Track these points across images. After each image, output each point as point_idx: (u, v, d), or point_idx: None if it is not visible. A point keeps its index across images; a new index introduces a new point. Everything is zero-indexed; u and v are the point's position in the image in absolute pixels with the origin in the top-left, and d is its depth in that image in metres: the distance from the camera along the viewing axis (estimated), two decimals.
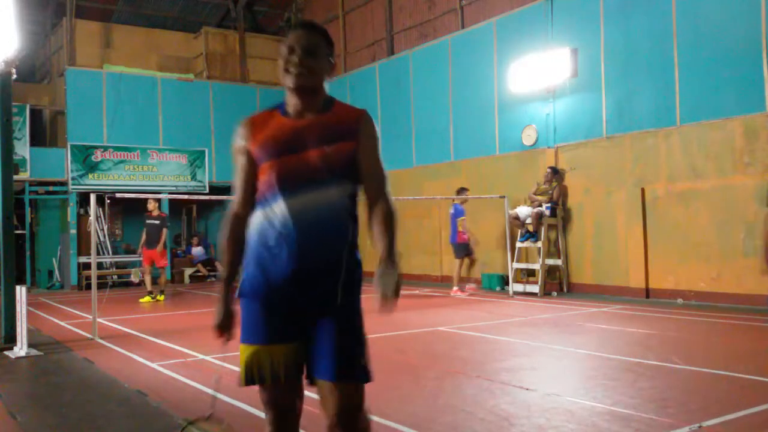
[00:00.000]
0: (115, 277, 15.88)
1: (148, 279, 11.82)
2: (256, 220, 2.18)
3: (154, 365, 5.85)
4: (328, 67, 2.22)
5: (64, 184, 15.17)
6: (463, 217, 11.20)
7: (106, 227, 16.19)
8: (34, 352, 6.59)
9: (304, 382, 2.20)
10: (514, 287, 11.16)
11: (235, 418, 4.06)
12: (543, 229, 11.10)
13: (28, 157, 14.61)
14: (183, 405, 4.43)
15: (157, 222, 11.72)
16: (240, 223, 2.22)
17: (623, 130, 10.37)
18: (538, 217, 11.03)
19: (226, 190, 14.89)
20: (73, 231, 15.06)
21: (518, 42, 11.98)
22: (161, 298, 11.82)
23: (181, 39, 18.44)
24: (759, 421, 3.76)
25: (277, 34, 19.07)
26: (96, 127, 15.45)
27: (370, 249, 2.24)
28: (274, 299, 2.14)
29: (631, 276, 10.16)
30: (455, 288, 11.25)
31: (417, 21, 14.96)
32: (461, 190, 11.43)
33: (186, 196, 15.12)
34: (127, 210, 16.83)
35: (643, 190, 10.03)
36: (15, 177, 8.05)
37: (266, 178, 2.14)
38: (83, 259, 15.03)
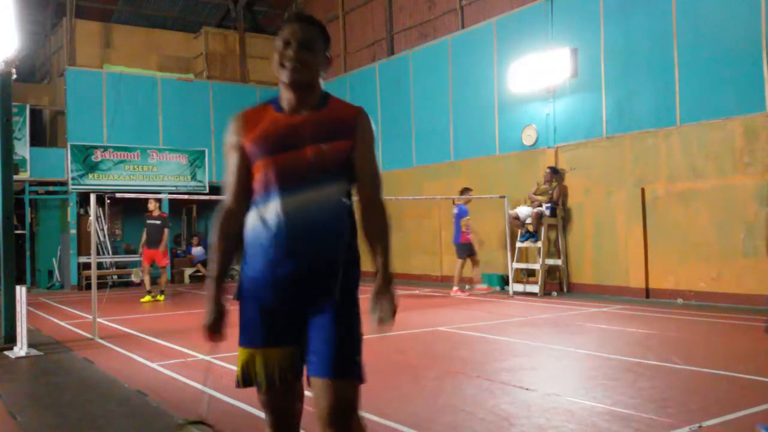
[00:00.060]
0: (115, 277, 15.88)
1: (147, 278, 11.85)
2: (251, 220, 2.13)
3: (154, 365, 5.85)
4: (324, 62, 2.17)
5: (64, 184, 15.17)
6: (467, 218, 11.19)
7: (106, 227, 16.19)
8: (34, 352, 6.59)
9: (305, 384, 2.16)
10: (514, 287, 11.16)
11: (235, 419, 4.06)
12: (543, 229, 11.10)
13: (28, 157, 14.62)
14: (183, 405, 4.43)
15: (157, 222, 11.73)
16: (231, 219, 2.17)
17: (623, 130, 10.37)
18: (538, 217, 11.03)
19: None
20: (73, 231, 15.06)
21: (518, 42, 11.98)
22: (161, 298, 11.82)
23: (181, 39, 18.45)
24: (759, 421, 3.75)
25: (277, 34, 19.03)
26: (96, 127, 15.45)
27: (365, 248, 2.22)
28: (272, 301, 2.11)
29: (631, 276, 10.16)
30: (455, 288, 11.25)
31: (417, 21, 14.96)
32: (465, 191, 11.42)
33: (186, 196, 15.12)
34: (127, 210, 16.83)
35: (643, 190, 10.03)
36: (15, 177, 8.05)
37: (261, 176, 2.10)
38: (83, 259, 15.03)
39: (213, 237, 2.18)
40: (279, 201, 2.05)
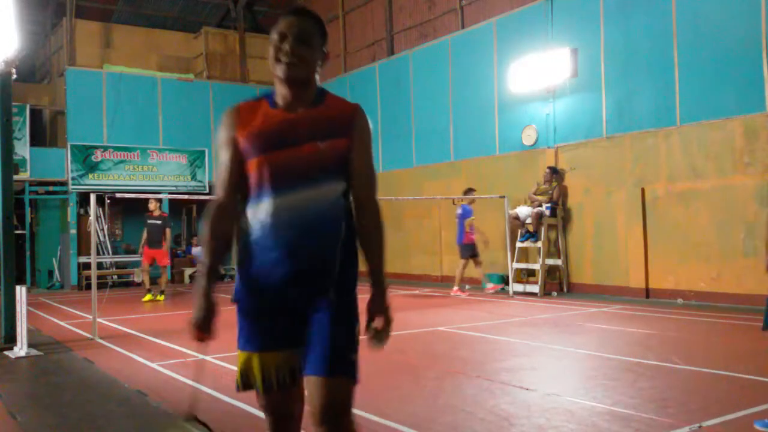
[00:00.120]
0: (115, 277, 15.88)
1: (146, 278, 11.89)
2: (247, 220, 2.08)
3: (154, 365, 5.85)
4: (321, 57, 2.11)
5: (64, 184, 15.17)
6: (472, 218, 11.18)
7: (106, 227, 16.19)
8: (34, 352, 6.59)
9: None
10: (514, 287, 11.16)
11: (235, 419, 4.06)
12: (543, 229, 11.10)
13: (28, 157, 14.62)
14: (183, 405, 4.43)
15: (158, 222, 11.75)
16: (223, 213, 2.11)
17: (623, 130, 10.37)
18: (538, 217, 11.03)
19: None
20: (73, 231, 15.06)
21: (518, 42, 11.99)
22: (161, 298, 11.83)
23: (181, 39, 18.45)
24: (757, 419, 3.75)
25: None
26: (96, 127, 15.46)
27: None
28: (270, 302, 2.08)
29: (631, 276, 10.16)
30: (455, 288, 11.24)
31: (417, 21, 14.96)
32: (468, 191, 11.40)
33: (186, 196, 15.13)
34: (127, 210, 16.84)
35: (643, 190, 10.03)
36: (15, 177, 8.05)
37: (256, 174, 2.04)
38: (83, 259, 15.04)
39: (204, 232, 2.12)
40: (275, 200, 2.01)
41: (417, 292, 12.10)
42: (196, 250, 16.83)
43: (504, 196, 11.39)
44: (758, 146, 8.69)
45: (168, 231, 11.86)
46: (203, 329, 2.09)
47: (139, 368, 5.81)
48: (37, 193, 15.69)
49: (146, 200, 12.08)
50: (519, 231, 11.45)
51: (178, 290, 14.14)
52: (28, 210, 15.51)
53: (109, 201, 14.56)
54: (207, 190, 16.26)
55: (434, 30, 14.45)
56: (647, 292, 9.92)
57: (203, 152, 16.37)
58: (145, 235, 11.88)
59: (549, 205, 11.02)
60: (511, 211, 11.40)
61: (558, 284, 11.24)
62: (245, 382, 2.12)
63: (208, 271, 2.10)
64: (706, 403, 4.24)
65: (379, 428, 3.80)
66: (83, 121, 15.25)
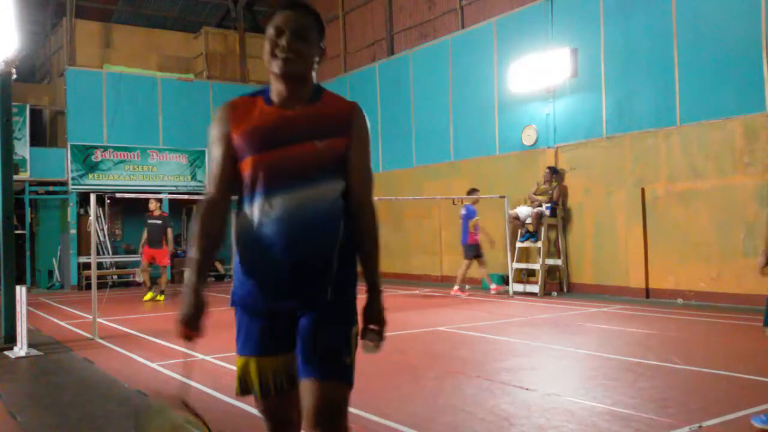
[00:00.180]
0: (115, 277, 15.88)
1: (147, 277, 11.92)
2: (242, 220, 2.03)
3: (154, 365, 5.85)
4: (318, 52, 2.05)
5: (64, 184, 15.17)
6: (476, 218, 11.17)
7: (106, 227, 16.19)
8: (34, 352, 6.59)
9: None
10: (514, 287, 11.16)
11: (235, 418, 4.06)
12: (543, 229, 11.10)
13: (28, 157, 14.62)
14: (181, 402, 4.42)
15: (159, 222, 11.77)
16: (214, 210, 2.05)
17: (623, 130, 10.37)
18: (538, 217, 11.03)
19: None
20: (73, 231, 15.06)
21: (518, 42, 11.99)
22: (161, 298, 11.83)
23: (181, 39, 18.45)
24: (764, 430, 3.75)
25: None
26: (96, 127, 15.46)
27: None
28: (267, 305, 2.04)
29: (631, 276, 10.16)
30: (456, 287, 11.22)
31: (417, 21, 14.96)
32: (472, 191, 11.38)
33: (186, 196, 15.13)
34: (127, 210, 16.83)
35: (643, 190, 10.03)
36: (15, 177, 8.05)
37: (251, 173, 1.98)
38: (83, 259, 15.04)
39: (194, 228, 2.05)
40: (272, 200, 1.96)
41: (417, 292, 12.10)
42: None
43: (504, 196, 11.39)
44: (758, 146, 8.69)
45: (170, 231, 11.89)
46: (191, 326, 2.03)
47: (139, 368, 5.81)
48: (37, 193, 15.69)
49: (146, 200, 12.09)
50: (519, 231, 11.45)
51: (178, 290, 14.11)
52: (28, 210, 15.51)
53: (109, 201, 14.58)
54: None
55: (434, 30, 14.46)
56: (647, 292, 9.92)
57: (203, 152, 16.37)
58: (145, 234, 11.90)
59: (549, 205, 11.02)
60: (511, 211, 11.40)
61: (558, 284, 11.24)
62: (243, 388, 2.09)
63: (198, 267, 2.04)
64: (706, 403, 4.24)
65: (379, 428, 3.80)
66: (83, 121, 15.25)
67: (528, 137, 11.91)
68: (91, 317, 7.70)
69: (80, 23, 16.68)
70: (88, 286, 12.39)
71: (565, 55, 11.04)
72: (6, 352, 6.61)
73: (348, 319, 2.06)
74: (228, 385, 3.93)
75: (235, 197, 2.09)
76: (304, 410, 1.98)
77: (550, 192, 11.10)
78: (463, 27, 13.64)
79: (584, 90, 11.01)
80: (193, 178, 16.34)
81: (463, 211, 11.31)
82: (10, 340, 6.77)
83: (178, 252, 17.22)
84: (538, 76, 11.40)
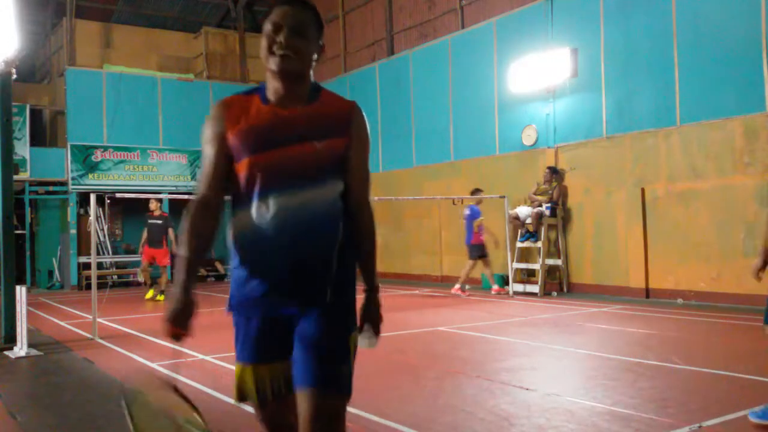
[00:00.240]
0: (115, 277, 15.89)
1: (147, 276, 11.97)
2: (238, 223, 1.97)
3: (154, 365, 5.85)
4: (317, 50, 1.99)
5: (64, 184, 15.17)
6: (480, 218, 11.17)
7: (106, 227, 16.19)
8: (34, 352, 6.59)
9: None
10: (514, 287, 11.16)
11: (234, 418, 4.06)
12: (543, 229, 11.10)
13: (28, 157, 14.62)
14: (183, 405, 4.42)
15: (159, 222, 11.79)
16: (205, 210, 1.98)
17: (623, 130, 10.37)
18: (538, 217, 11.03)
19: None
20: (73, 231, 15.07)
21: (518, 42, 11.99)
22: (161, 297, 11.84)
23: (181, 39, 18.46)
24: (761, 425, 3.75)
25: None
26: (96, 127, 15.46)
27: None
28: (264, 310, 1.98)
29: (631, 276, 10.16)
30: (457, 286, 11.19)
31: (417, 21, 14.96)
32: (476, 191, 11.38)
33: (186, 196, 15.10)
34: (127, 210, 16.84)
35: (643, 190, 10.03)
36: (15, 177, 8.05)
37: (248, 175, 1.92)
38: (83, 259, 15.04)
39: (184, 228, 1.99)
40: (270, 202, 1.90)
41: (417, 292, 12.10)
42: None
43: (504, 196, 11.38)
44: (758, 146, 8.69)
45: (171, 231, 11.91)
46: (179, 324, 1.97)
47: (139, 368, 5.80)
48: (37, 193, 15.69)
49: (146, 200, 12.10)
50: (519, 231, 11.45)
51: None
52: (28, 210, 15.51)
53: (109, 201, 14.57)
54: None
55: (434, 30, 14.46)
56: (647, 292, 9.92)
57: None
58: (145, 234, 11.92)
59: (549, 205, 11.02)
60: (511, 211, 11.40)
61: (558, 284, 11.24)
62: (241, 395, 2.05)
63: (187, 266, 1.98)
64: (706, 403, 4.24)
65: (379, 428, 3.80)
66: (83, 121, 15.25)
67: (528, 137, 11.91)
68: (91, 317, 7.70)
69: (80, 23, 16.68)
70: (88, 286, 12.39)
71: (565, 55, 11.04)
72: (6, 352, 6.61)
73: (347, 325, 2.01)
74: (228, 385, 3.92)
75: (228, 197, 2.03)
76: (299, 420, 1.93)
77: (550, 192, 11.10)
78: (463, 27, 13.64)
79: (584, 90, 11.01)
80: (193, 178, 16.34)
81: (466, 212, 11.30)
82: (10, 340, 6.77)
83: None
84: (538, 76, 11.40)
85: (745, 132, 8.83)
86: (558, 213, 11.12)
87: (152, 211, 11.85)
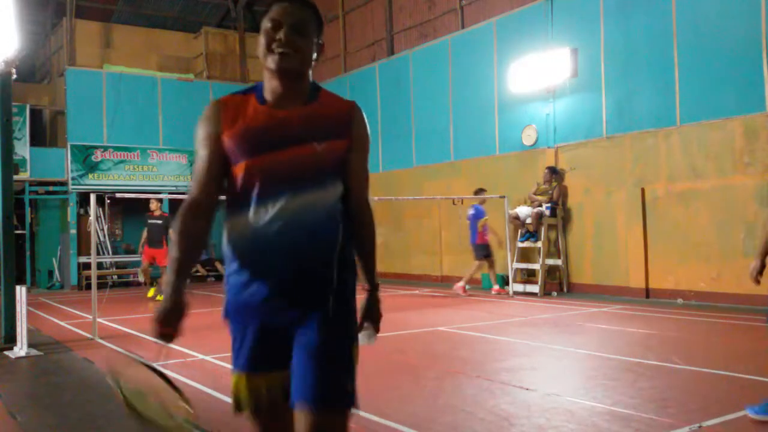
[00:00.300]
0: (115, 277, 15.89)
1: (147, 276, 12.01)
2: (234, 227, 1.90)
3: (154, 365, 5.84)
4: (316, 49, 1.93)
5: (64, 184, 15.17)
6: (485, 218, 11.16)
7: (106, 227, 16.19)
8: (34, 352, 6.59)
9: None
10: (514, 287, 11.16)
11: (234, 419, 4.05)
12: (543, 229, 11.10)
13: (28, 157, 14.62)
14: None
15: (159, 222, 11.79)
16: (197, 212, 1.92)
17: (623, 130, 10.37)
18: (538, 217, 11.03)
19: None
20: (73, 231, 15.07)
21: (518, 42, 11.99)
22: (161, 298, 11.83)
23: (181, 39, 18.46)
24: (759, 421, 3.76)
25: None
26: (96, 127, 15.47)
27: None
28: (262, 317, 1.91)
29: (631, 276, 10.16)
30: (461, 283, 11.14)
31: (417, 21, 14.96)
32: (479, 191, 11.38)
33: (186, 197, 15.11)
34: (127, 210, 16.84)
35: (643, 190, 10.03)
36: (15, 177, 8.05)
37: (245, 178, 1.86)
38: (83, 259, 15.04)
39: (175, 229, 1.93)
40: (268, 206, 1.84)
41: (417, 292, 12.10)
42: None
43: (504, 196, 11.38)
44: (758, 146, 8.69)
45: (172, 231, 11.91)
46: (168, 325, 1.91)
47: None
48: (37, 193, 15.70)
49: (146, 200, 12.10)
50: (519, 231, 11.45)
51: None
52: (28, 210, 15.51)
53: (109, 201, 14.57)
54: None
55: (434, 30, 14.45)
56: (647, 292, 9.92)
57: None
58: (145, 234, 11.93)
59: (549, 205, 11.02)
60: (511, 211, 11.39)
61: (558, 284, 11.24)
62: (236, 404, 1.98)
63: (178, 267, 1.91)
64: (706, 403, 4.23)
65: (379, 428, 3.80)
66: (83, 121, 15.26)
67: (528, 137, 11.90)
68: (91, 317, 7.70)
69: (80, 23, 16.69)
70: (88, 286, 12.39)
71: (565, 55, 11.04)
72: (6, 352, 6.61)
73: (350, 333, 1.95)
74: (227, 386, 3.92)
75: (223, 196, 1.98)
76: None
77: (550, 192, 11.10)
78: (463, 27, 13.64)
79: (584, 90, 11.01)
80: None
81: (471, 211, 11.30)
82: (10, 340, 6.77)
83: None
84: (538, 76, 11.40)
85: (745, 132, 8.83)
86: (558, 213, 11.12)
87: (152, 211, 11.86)
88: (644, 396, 4.39)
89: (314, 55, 1.93)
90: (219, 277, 16.11)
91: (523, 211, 11.30)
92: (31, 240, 16.00)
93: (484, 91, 12.78)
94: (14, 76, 7.15)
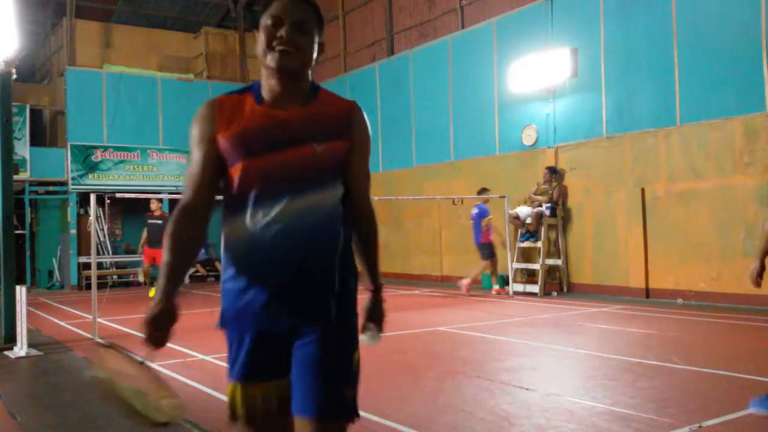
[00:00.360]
0: (115, 277, 15.88)
1: (147, 277, 11.99)
2: (231, 232, 1.85)
3: (154, 365, 5.84)
4: (317, 48, 1.88)
5: (64, 184, 15.17)
6: (489, 217, 11.16)
7: (106, 227, 16.19)
8: (34, 352, 6.59)
9: None
10: (514, 287, 11.16)
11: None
12: (543, 229, 11.10)
13: (28, 157, 14.62)
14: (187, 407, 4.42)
15: (159, 222, 11.80)
16: (191, 214, 1.85)
17: (623, 130, 10.37)
18: (538, 217, 11.03)
19: None
20: (73, 231, 15.07)
21: (518, 42, 11.99)
22: None
23: (181, 39, 18.46)
24: (759, 421, 3.76)
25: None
26: (96, 127, 15.47)
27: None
28: (260, 325, 1.84)
29: (631, 276, 10.16)
30: (467, 281, 11.12)
31: (417, 21, 14.96)
32: (483, 191, 11.38)
33: None
34: (127, 210, 16.84)
35: (643, 190, 10.03)
36: (15, 177, 8.05)
37: (242, 180, 1.80)
38: (83, 259, 15.04)
39: (169, 231, 1.86)
40: (267, 209, 1.78)
41: (417, 292, 12.10)
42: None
43: (504, 196, 11.38)
44: (758, 146, 8.69)
45: (164, 235, 11.92)
46: (158, 329, 1.86)
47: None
48: (37, 193, 15.69)
49: (146, 200, 12.11)
50: (519, 231, 11.45)
51: (180, 291, 14.11)
52: (28, 210, 15.51)
53: (109, 201, 14.58)
54: None
55: (434, 30, 14.45)
56: (647, 292, 9.92)
57: None
58: (145, 234, 11.94)
59: (549, 205, 11.02)
60: (511, 211, 11.39)
61: (558, 284, 11.24)
62: (231, 414, 1.91)
63: (170, 271, 1.85)
64: (706, 403, 4.24)
65: (379, 428, 3.80)
66: (83, 121, 15.26)
67: (528, 137, 11.90)
68: (91, 317, 7.70)
69: (80, 23, 16.68)
70: (88, 286, 12.39)
71: (565, 55, 11.04)
72: (6, 352, 6.61)
73: (351, 342, 1.89)
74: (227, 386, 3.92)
75: (219, 197, 1.92)
76: None
77: (550, 192, 11.10)
78: (463, 27, 13.64)
79: (584, 90, 11.01)
80: None
81: (475, 210, 11.29)
82: (10, 340, 6.77)
83: None
84: (538, 76, 11.40)
85: (745, 132, 8.83)
86: (558, 213, 11.12)
87: (153, 211, 11.88)
88: (644, 396, 4.39)
89: (315, 55, 1.89)
90: (219, 277, 16.11)
91: (523, 211, 11.30)
92: (31, 240, 15.99)
93: (484, 91, 12.78)
94: (14, 76, 7.15)
